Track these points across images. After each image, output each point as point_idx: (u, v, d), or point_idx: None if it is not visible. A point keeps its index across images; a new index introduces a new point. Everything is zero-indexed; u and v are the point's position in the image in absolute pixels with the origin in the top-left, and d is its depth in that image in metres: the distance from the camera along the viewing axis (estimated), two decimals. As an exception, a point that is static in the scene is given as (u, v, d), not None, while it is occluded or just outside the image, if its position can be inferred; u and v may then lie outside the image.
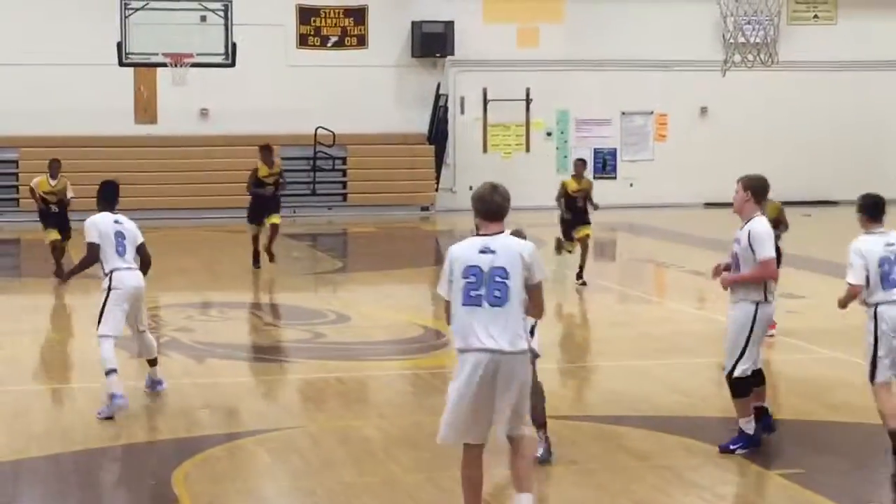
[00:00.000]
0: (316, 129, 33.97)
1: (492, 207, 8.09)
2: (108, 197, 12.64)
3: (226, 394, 12.63)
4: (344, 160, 34.74)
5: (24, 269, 25.35)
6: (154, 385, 12.25)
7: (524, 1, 35.73)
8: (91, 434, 10.77)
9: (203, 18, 29.71)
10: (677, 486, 9.54)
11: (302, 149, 34.18)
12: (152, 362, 12.24)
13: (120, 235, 12.12)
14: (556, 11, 35.86)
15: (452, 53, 35.17)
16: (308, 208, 33.53)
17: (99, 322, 11.70)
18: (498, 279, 7.87)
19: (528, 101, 35.70)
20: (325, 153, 34.36)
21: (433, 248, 28.56)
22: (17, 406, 11.87)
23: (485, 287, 7.86)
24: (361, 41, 35.23)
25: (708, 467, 9.96)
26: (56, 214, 21.20)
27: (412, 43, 35.22)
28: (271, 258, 22.08)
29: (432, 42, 34.98)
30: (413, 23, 35.06)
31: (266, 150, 23.42)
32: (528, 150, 36.00)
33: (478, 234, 8.11)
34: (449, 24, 34.93)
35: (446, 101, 35.35)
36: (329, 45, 35.13)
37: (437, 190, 34.81)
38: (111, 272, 11.81)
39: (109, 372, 11.38)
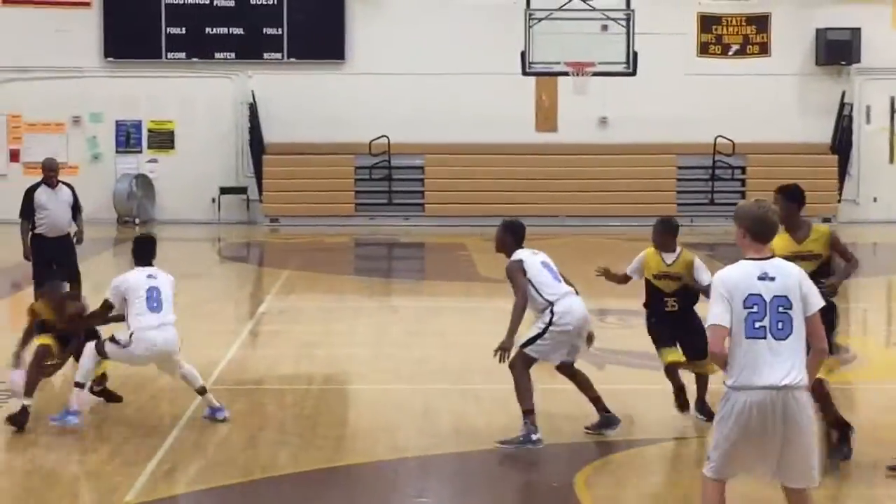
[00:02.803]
0: (715, 139, 33.66)
1: (771, 229, 7.51)
2: (140, 254, 11.68)
3: (625, 401, 12.64)
4: (743, 169, 34.27)
5: (429, 272, 26.16)
6: (214, 413, 11.49)
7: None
8: (495, 434, 10.97)
9: (604, 28, 29.91)
10: None
11: (700, 158, 33.99)
12: (201, 391, 11.54)
13: (154, 290, 11.30)
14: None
15: (859, 61, 34.15)
16: (706, 217, 33.24)
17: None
18: (781, 309, 7.23)
19: (938, 109, 34.34)
20: (724, 162, 33.99)
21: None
22: (427, 405, 12.25)
23: (768, 318, 7.22)
24: (764, 49, 34.68)
25: None
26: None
27: (816, 51, 34.42)
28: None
29: (838, 49, 34.10)
30: (818, 30, 34.28)
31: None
32: (936, 159, 34.62)
33: (749, 258, 7.40)
34: (856, 31, 33.97)
35: (851, 109, 34.36)
36: (730, 53, 34.74)
37: (839, 201, 33.87)
38: (132, 333, 11.16)
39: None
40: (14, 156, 34.44)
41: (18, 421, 11.05)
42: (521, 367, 10.68)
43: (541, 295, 10.66)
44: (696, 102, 33.96)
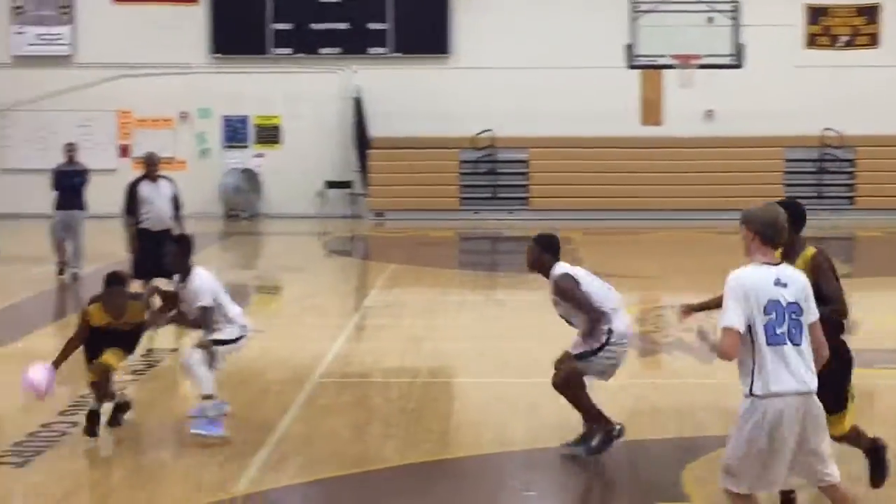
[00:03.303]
0: (823, 131, 33.25)
1: (781, 233, 7.35)
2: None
3: (729, 394, 12.55)
4: (851, 162, 33.82)
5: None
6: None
7: None
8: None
9: (710, 20, 29.70)
10: None
11: (808, 150, 33.63)
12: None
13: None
14: None
15: (971, 51, 33.59)
16: (813, 211, 32.64)
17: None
18: (794, 316, 7.20)
19: None
20: (833, 155, 33.56)
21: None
22: (532, 399, 12.25)
23: (786, 324, 7.17)
24: (873, 40, 34.16)
25: None
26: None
27: (927, 41, 33.88)
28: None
29: (949, 40, 33.53)
30: (929, 20, 33.72)
31: None
32: None
33: (763, 263, 7.29)
34: (968, 21, 33.38)
35: (962, 101, 33.76)
36: (838, 44, 34.28)
37: (949, 194, 33.32)
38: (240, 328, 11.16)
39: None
40: (124, 151, 34.96)
41: (90, 429, 10.77)
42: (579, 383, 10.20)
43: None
44: (803, 95, 33.55)
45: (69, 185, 21.28)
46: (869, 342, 15.69)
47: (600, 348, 10.12)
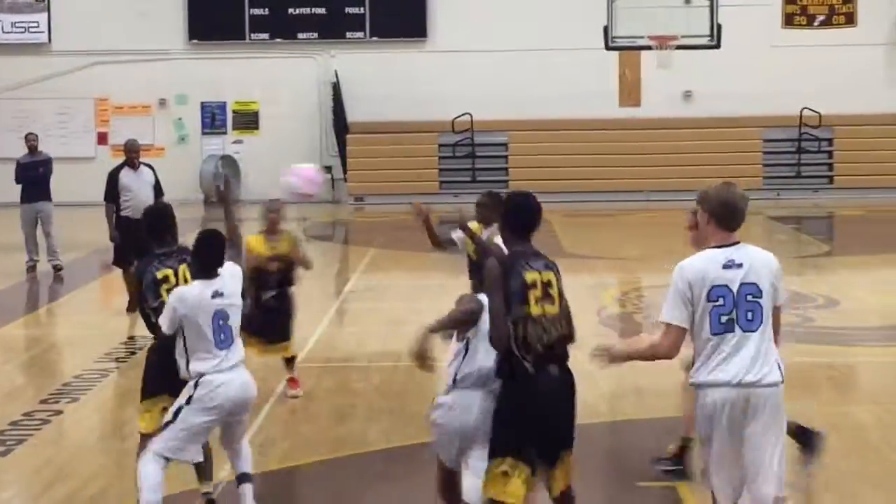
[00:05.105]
0: (801, 111, 33.31)
1: (740, 215, 6.71)
2: (205, 258, 8.18)
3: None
4: (830, 141, 33.90)
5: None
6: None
7: None
8: (586, 411, 10.96)
9: (687, 1, 29.68)
10: None
11: (786, 130, 33.69)
12: (244, 478, 8.38)
13: (221, 317, 8.05)
14: None
15: (948, 29, 33.70)
16: (792, 191, 32.96)
17: (163, 427, 8.11)
18: (750, 298, 6.56)
19: None
20: (811, 134, 33.63)
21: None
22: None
23: (736, 309, 6.55)
24: (850, 19, 34.18)
25: None
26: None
27: (904, 20, 33.96)
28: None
29: (926, 18, 33.61)
30: (906, -2, 33.79)
31: None
32: None
33: (714, 246, 6.70)
34: (944, -2, 33.45)
35: (941, 79, 33.87)
36: (815, 24, 34.30)
37: (928, 172, 33.41)
38: (199, 377, 8.00)
39: None
40: (102, 139, 34.84)
41: None
42: None
43: None
44: (781, 75, 33.58)
45: (33, 176, 20.78)
46: (850, 320, 15.81)
47: None
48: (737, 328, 6.56)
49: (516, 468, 6.93)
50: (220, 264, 8.15)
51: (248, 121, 35.24)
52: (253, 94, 35.00)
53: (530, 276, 7.00)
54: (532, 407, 6.94)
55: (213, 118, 35.23)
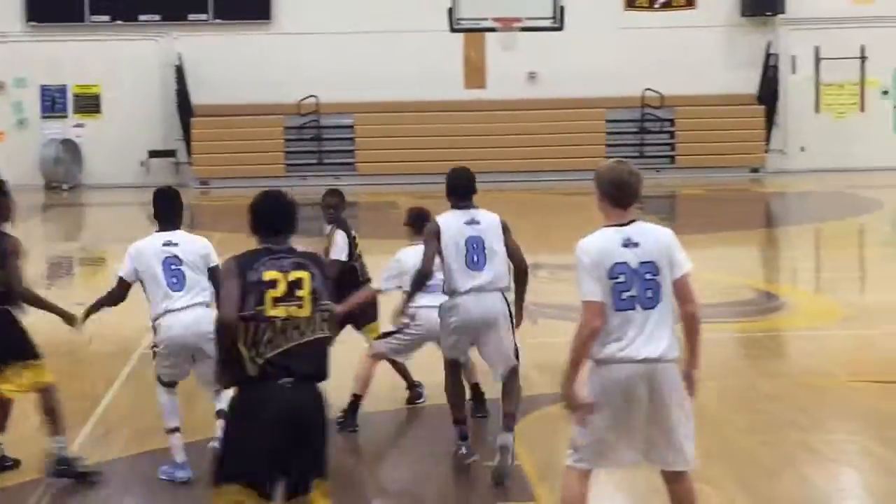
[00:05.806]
0: (643, 92, 33.80)
1: (631, 192, 6.81)
2: (163, 214, 9.28)
3: (557, 354, 12.69)
4: (672, 122, 34.47)
5: (361, 231, 26.05)
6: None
7: (860, -45, 34.66)
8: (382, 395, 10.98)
9: (531, -18, 29.89)
10: None
11: (630, 111, 34.16)
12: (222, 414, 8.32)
13: (173, 262, 8.91)
14: (893, -35, 34.61)
15: (783, 11, 34.41)
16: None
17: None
18: (648, 276, 6.71)
19: (862, 59, 34.61)
20: (653, 115, 34.16)
21: (763, 210, 28.03)
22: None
23: (636, 287, 6.71)
24: (690, 1, 34.79)
25: None
26: None
27: (742, 1, 34.61)
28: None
29: (763, 0, 34.28)
30: (742, -20, 34.46)
31: None
32: (862, 109, 34.85)
33: (610, 225, 6.84)
34: (780, -19, 34.20)
35: (777, 60, 34.61)
36: (657, 5, 34.83)
37: (766, 151, 34.14)
38: (157, 319, 8.93)
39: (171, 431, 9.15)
40: (-62, 124, 34.00)
41: None
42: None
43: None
44: (624, 56, 34.02)
45: None
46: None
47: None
48: (637, 305, 6.72)
49: (244, 499, 6.27)
50: (173, 218, 9.14)
51: (89, 104, 34.64)
52: (94, 78, 34.41)
53: (270, 274, 6.75)
54: (259, 421, 6.29)
55: (53, 101, 34.56)
